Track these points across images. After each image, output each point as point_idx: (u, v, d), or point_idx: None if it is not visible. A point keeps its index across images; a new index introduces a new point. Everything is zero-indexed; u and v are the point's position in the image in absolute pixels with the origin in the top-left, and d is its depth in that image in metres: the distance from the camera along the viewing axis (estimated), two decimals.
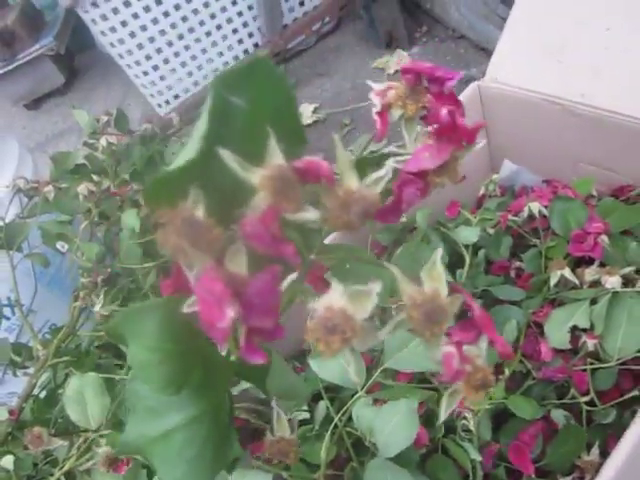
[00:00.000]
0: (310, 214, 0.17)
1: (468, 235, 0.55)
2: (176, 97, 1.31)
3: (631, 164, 0.64)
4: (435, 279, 0.19)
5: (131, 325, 0.19)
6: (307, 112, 1.18)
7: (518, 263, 0.62)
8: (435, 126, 0.21)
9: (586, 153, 0.67)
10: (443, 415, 0.20)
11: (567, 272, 0.53)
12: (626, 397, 0.49)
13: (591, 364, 0.52)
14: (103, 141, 0.66)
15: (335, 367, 0.48)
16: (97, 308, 0.50)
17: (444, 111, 0.21)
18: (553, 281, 0.54)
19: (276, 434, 0.36)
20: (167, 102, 1.33)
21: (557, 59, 0.65)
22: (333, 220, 0.17)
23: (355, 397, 0.48)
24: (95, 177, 0.62)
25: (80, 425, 0.43)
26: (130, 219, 0.56)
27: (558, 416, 0.51)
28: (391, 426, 0.41)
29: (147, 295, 0.51)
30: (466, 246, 0.56)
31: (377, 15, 1.16)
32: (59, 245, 0.62)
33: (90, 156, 0.65)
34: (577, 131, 0.65)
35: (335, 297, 0.17)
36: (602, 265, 0.55)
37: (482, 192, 0.78)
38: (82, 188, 0.58)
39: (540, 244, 0.60)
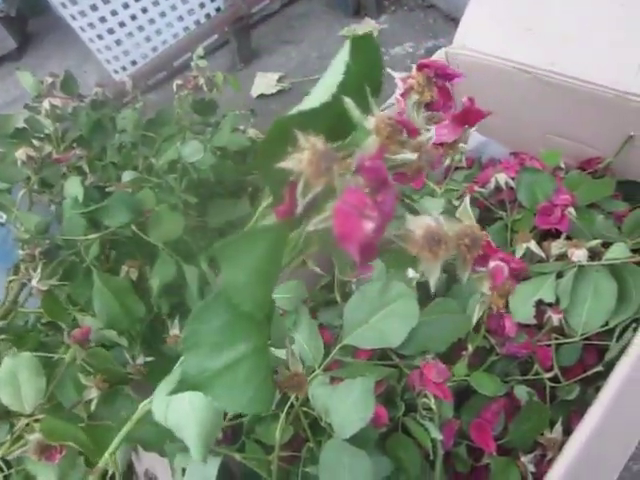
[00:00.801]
0: (408, 155, 0.21)
1: (432, 206, 0.53)
2: (133, 63, 1.24)
3: (599, 135, 0.62)
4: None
5: (239, 245, 0.20)
6: (271, 81, 1.13)
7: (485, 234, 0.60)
8: (453, 110, 0.27)
9: (555, 124, 0.65)
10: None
11: (533, 245, 0.51)
12: (589, 373, 0.48)
13: (556, 339, 0.51)
14: (46, 104, 0.61)
15: (295, 345, 0.46)
16: (34, 282, 0.46)
17: (465, 99, 0.27)
18: (518, 254, 0.52)
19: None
20: (124, 68, 1.26)
21: (526, 27, 0.62)
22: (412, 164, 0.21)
23: (312, 375, 0.45)
24: (36, 142, 0.58)
25: (13, 409, 0.40)
26: (73, 187, 0.52)
27: (521, 392, 0.49)
28: (346, 406, 0.39)
29: (89, 268, 0.48)
30: None
31: None
32: None
33: (31, 119, 0.60)
34: (546, 101, 0.63)
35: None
36: (569, 238, 0.54)
37: (448, 163, 0.76)
38: (21, 153, 0.53)
39: (506, 217, 0.58)
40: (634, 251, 0.54)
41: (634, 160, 0.61)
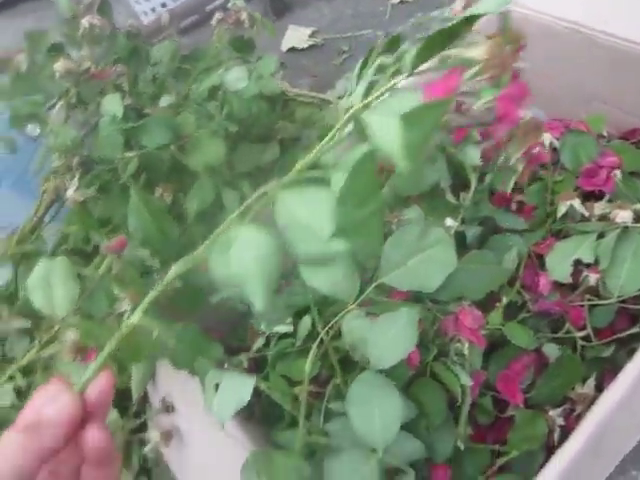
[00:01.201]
0: None
1: (474, 155, 0.52)
2: (163, 5, 1.22)
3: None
4: None
5: None
6: (303, 36, 1.11)
7: (520, 196, 0.59)
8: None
9: (601, 90, 0.64)
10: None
11: (577, 203, 0.50)
12: (625, 334, 0.47)
13: (589, 300, 0.50)
14: (85, 22, 0.59)
15: (327, 275, 0.45)
16: (70, 192, 0.45)
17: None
18: (561, 211, 0.51)
19: None
20: (153, 10, 1.24)
21: None
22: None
23: (347, 309, 0.45)
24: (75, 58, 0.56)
25: (44, 312, 0.39)
26: (112, 104, 0.51)
27: (551, 350, 0.49)
28: (388, 338, 0.38)
29: (125, 185, 0.47)
30: (472, 169, 0.52)
31: None
32: (30, 130, 0.56)
33: (69, 36, 0.59)
34: (596, 64, 0.61)
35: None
36: (610, 202, 0.53)
37: None
38: (59, 65, 0.52)
39: (547, 177, 0.57)
40: None
41: None
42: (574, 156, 0.56)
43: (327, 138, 0.38)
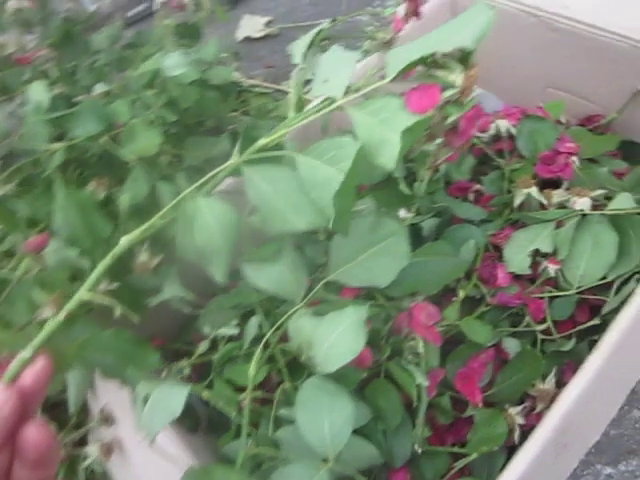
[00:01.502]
0: None
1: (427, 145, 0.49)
2: None
3: (604, 90, 0.59)
4: None
5: None
6: (258, 25, 1.07)
7: (478, 186, 0.57)
8: None
9: (558, 76, 0.62)
10: None
11: (534, 191, 0.48)
12: (585, 326, 0.45)
13: (549, 292, 0.48)
14: (13, 4, 0.55)
15: (273, 274, 0.42)
16: None
17: None
18: (518, 200, 0.49)
19: None
20: None
21: None
22: None
23: (293, 309, 0.42)
24: None
25: None
26: (38, 92, 0.47)
27: (511, 345, 0.47)
28: (334, 337, 0.35)
29: (50, 179, 0.43)
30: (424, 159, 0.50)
31: None
32: None
33: None
34: (552, 49, 0.60)
35: None
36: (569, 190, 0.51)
37: None
38: None
39: (504, 165, 0.55)
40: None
41: (638, 119, 0.58)
42: (532, 143, 0.54)
43: (290, 120, 0.37)
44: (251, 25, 1.07)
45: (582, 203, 0.46)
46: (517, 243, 0.48)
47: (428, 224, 0.51)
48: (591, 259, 0.46)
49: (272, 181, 0.36)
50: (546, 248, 0.47)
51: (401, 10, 0.43)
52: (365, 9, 1.04)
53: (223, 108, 0.74)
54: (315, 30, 0.43)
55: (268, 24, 1.09)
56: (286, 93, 0.94)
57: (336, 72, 0.36)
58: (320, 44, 0.43)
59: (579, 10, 0.56)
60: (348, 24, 0.96)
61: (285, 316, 0.42)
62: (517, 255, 0.48)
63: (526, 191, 0.48)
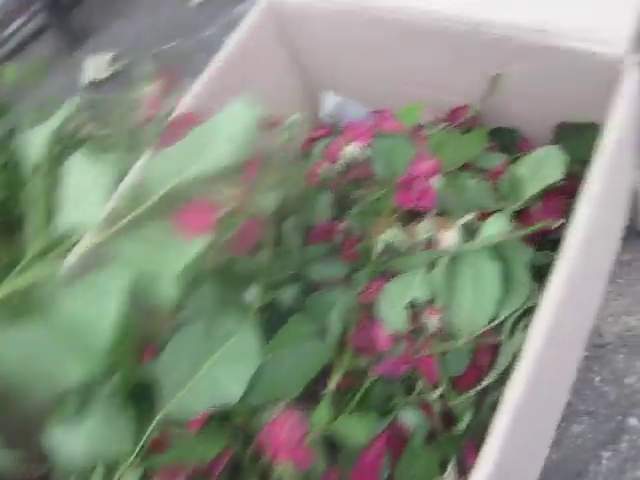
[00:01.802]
0: None
1: (265, 201, 0.41)
2: None
3: (460, 80, 0.52)
4: None
5: None
6: (102, 64, 0.96)
7: (343, 224, 0.49)
8: None
9: (409, 72, 0.54)
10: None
11: (393, 234, 0.40)
12: (481, 387, 0.38)
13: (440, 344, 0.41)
14: None
15: (82, 436, 0.33)
16: None
17: None
18: (379, 247, 0.41)
19: None
20: None
21: None
22: None
23: (125, 467, 0.33)
24: None
25: None
26: None
27: (409, 417, 0.39)
28: None
29: None
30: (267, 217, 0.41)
31: None
32: None
33: None
34: (395, 44, 0.52)
35: None
36: (441, 214, 0.44)
37: (307, 136, 0.65)
38: None
39: (365, 196, 0.47)
40: (517, 215, 0.45)
41: (503, 103, 0.51)
42: (389, 165, 0.47)
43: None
44: (95, 66, 0.96)
45: (449, 238, 0.38)
46: (390, 296, 0.40)
47: (287, 294, 0.43)
48: (475, 299, 0.39)
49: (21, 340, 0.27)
50: (423, 296, 0.39)
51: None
52: (212, 23, 0.94)
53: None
54: (56, 119, 0.33)
55: (113, 60, 0.97)
56: None
57: (89, 191, 0.29)
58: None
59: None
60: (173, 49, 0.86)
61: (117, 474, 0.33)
62: (392, 310, 0.40)
63: (384, 237, 0.40)
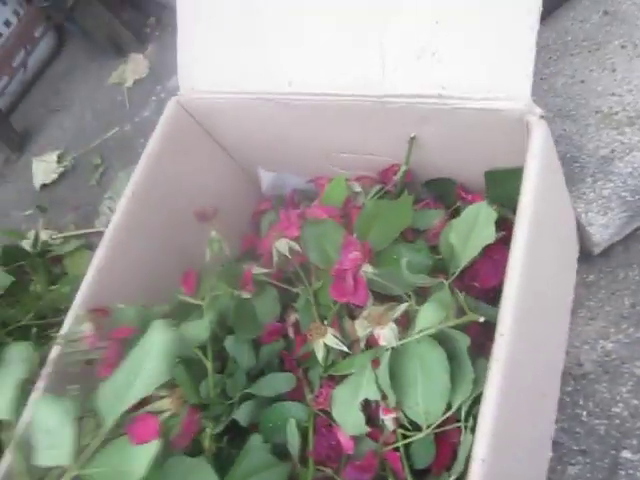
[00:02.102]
0: None
1: (198, 333, 0.40)
2: None
3: (382, 142, 0.51)
4: None
5: None
6: (50, 165, 0.95)
7: (293, 317, 0.48)
8: None
9: (330, 142, 0.53)
10: None
11: (331, 340, 0.39)
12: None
13: (403, 436, 0.39)
14: None
15: None
16: None
17: None
18: (320, 354, 0.40)
19: None
20: None
21: (248, 46, 0.49)
22: None
23: None
24: None
25: None
26: None
27: None
28: None
29: None
30: (202, 348, 0.40)
31: (84, 23, 0.94)
32: None
33: None
34: (308, 123, 0.51)
35: None
36: (382, 300, 0.42)
37: (254, 210, 0.64)
38: None
39: (306, 289, 0.46)
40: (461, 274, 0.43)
41: (429, 158, 0.50)
42: (322, 253, 0.46)
43: None
44: (43, 168, 0.96)
45: (386, 336, 0.37)
46: (341, 399, 0.39)
47: (242, 414, 0.42)
48: (426, 390, 0.37)
49: None
50: (374, 396, 0.38)
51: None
52: (150, 100, 0.93)
53: None
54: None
55: (60, 159, 0.97)
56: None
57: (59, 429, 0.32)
58: None
59: (305, 82, 0.47)
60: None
61: None
62: (347, 415, 0.39)
63: (322, 341, 0.39)
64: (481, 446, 0.31)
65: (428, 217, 0.50)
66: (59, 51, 1.14)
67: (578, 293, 0.56)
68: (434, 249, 0.47)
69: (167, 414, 0.34)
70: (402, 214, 0.46)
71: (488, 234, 0.42)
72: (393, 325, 0.37)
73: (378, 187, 0.54)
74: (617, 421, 0.50)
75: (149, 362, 0.31)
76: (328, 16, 0.46)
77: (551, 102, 0.54)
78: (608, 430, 0.50)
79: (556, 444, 0.50)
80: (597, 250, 0.51)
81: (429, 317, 0.37)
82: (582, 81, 0.53)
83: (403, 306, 0.39)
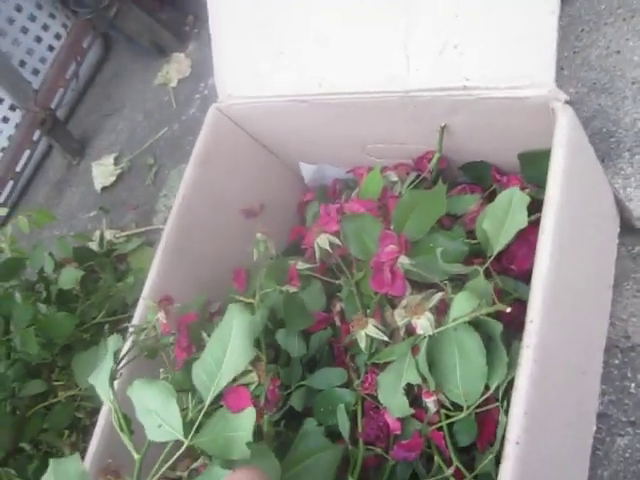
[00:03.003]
0: None
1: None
2: None
3: (414, 133, 0.52)
4: None
5: None
6: (108, 167, 1.01)
7: (337, 306, 0.50)
8: None
9: (364, 136, 0.55)
10: None
11: (372, 330, 0.42)
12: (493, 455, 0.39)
13: (447, 416, 0.42)
14: None
15: None
16: None
17: None
18: (363, 344, 0.43)
19: None
20: None
21: (278, 51, 0.51)
22: None
23: None
24: None
25: None
26: None
27: None
28: None
29: None
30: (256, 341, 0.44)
31: (126, 29, 0.98)
32: None
33: None
34: (342, 121, 0.53)
35: None
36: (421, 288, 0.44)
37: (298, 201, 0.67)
38: None
39: (349, 280, 0.49)
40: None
41: (460, 145, 0.51)
42: (361, 245, 0.48)
43: None
44: (102, 171, 1.02)
45: (422, 326, 0.39)
46: (386, 387, 0.42)
47: (298, 399, 0.45)
48: (464, 373, 0.40)
49: None
50: (415, 380, 0.41)
51: None
52: (195, 98, 0.97)
53: None
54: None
55: (117, 161, 1.03)
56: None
57: (164, 408, 0.36)
58: None
59: (334, 81, 0.49)
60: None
61: None
62: (392, 398, 0.42)
63: (362, 334, 0.42)
64: (514, 429, 0.33)
65: (464, 202, 0.51)
66: (106, 58, 1.20)
67: (624, 266, 0.55)
68: (471, 233, 0.49)
69: (254, 385, 0.40)
70: (437, 203, 0.48)
71: (521, 219, 0.43)
72: (429, 314, 0.39)
73: (414, 175, 0.55)
74: None
75: (234, 342, 0.35)
76: (350, 15, 0.47)
77: (585, 76, 0.53)
78: None
79: (604, 416, 0.51)
80: (639, 224, 0.51)
81: (463, 306, 0.39)
82: (617, 52, 0.53)
83: (438, 296, 0.40)
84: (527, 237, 0.47)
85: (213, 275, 0.57)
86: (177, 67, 1.02)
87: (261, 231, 0.54)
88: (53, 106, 1.03)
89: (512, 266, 0.47)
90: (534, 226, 0.45)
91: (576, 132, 0.40)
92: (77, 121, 1.15)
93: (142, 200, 0.94)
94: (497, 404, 0.39)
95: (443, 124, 0.49)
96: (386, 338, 0.41)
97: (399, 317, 0.42)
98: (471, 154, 0.53)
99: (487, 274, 0.45)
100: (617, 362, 0.53)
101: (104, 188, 1.01)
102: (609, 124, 0.50)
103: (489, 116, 0.45)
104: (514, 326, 0.41)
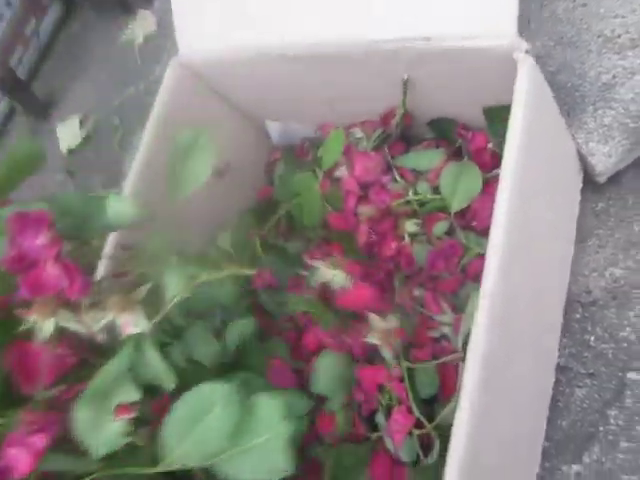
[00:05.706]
0: None
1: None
2: None
3: (379, 89, 0.51)
4: None
5: None
6: (74, 129, 0.99)
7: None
8: None
9: (330, 91, 0.54)
10: None
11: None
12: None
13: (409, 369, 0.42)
14: None
15: None
16: None
17: None
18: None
19: None
20: None
21: (240, 2, 0.49)
22: None
23: None
24: None
25: None
26: None
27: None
28: None
29: None
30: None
31: None
32: None
33: None
34: (302, 73, 0.52)
35: None
36: None
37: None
38: None
39: None
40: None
41: (427, 100, 0.50)
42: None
43: None
44: (67, 133, 0.99)
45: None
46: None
47: None
48: None
49: None
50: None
51: None
52: (161, 58, 0.94)
53: None
54: None
55: (82, 123, 1.00)
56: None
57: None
58: None
59: (299, 32, 0.47)
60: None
61: None
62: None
63: None
64: (470, 378, 0.33)
65: (428, 158, 0.51)
66: (69, 16, 1.15)
67: (587, 223, 0.56)
68: (436, 189, 0.49)
69: None
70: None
71: (474, 187, 0.43)
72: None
73: (380, 131, 0.55)
74: (624, 344, 0.51)
75: None
76: None
77: (552, 30, 0.52)
78: (615, 353, 0.51)
79: (565, 369, 0.52)
80: (602, 179, 0.51)
81: None
82: (584, 4, 0.52)
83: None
84: (489, 193, 0.47)
85: (178, 236, 0.56)
86: (143, 24, 0.99)
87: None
88: (12, 65, 0.99)
89: (474, 222, 0.48)
90: (496, 182, 0.46)
91: (537, 82, 0.40)
92: (41, 82, 1.11)
93: (110, 163, 0.92)
94: (459, 353, 0.40)
95: (406, 76, 0.48)
96: None
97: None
98: (440, 110, 0.53)
99: (451, 230, 0.45)
100: (578, 316, 0.54)
101: (70, 150, 0.99)
102: (574, 78, 0.50)
103: (454, 69, 0.44)
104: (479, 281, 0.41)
